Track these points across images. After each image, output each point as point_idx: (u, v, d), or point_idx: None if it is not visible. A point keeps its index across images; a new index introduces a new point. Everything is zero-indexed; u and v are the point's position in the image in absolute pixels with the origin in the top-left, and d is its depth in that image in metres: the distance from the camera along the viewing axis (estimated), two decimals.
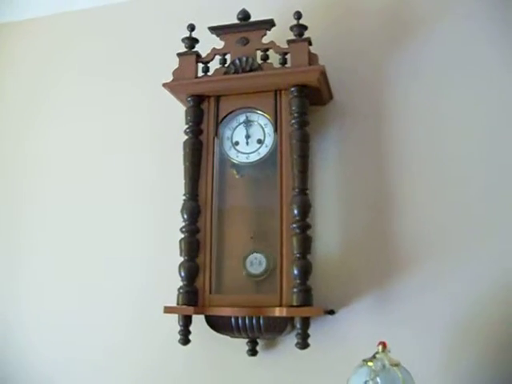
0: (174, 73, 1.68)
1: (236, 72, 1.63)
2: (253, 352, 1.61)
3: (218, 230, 1.69)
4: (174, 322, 1.56)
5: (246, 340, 1.61)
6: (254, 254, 1.66)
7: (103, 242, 1.92)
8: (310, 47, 1.60)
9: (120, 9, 2.11)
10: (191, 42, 1.69)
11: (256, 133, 1.67)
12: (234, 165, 1.71)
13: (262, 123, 1.67)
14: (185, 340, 1.54)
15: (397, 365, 1.30)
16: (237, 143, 1.68)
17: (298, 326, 1.45)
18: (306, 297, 1.45)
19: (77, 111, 2.09)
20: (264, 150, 1.65)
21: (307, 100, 1.60)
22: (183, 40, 1.69)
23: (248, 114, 1.69)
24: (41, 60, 2.20)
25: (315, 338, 1.57)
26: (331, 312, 1.59)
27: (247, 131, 1.68)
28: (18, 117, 2.18)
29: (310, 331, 1.53)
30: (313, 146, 1.73)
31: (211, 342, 1.65)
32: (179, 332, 1.53)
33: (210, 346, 1.66)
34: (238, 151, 1.67)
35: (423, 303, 1.54)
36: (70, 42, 2.17)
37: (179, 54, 1.69)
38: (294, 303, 1.45)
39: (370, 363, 1.29)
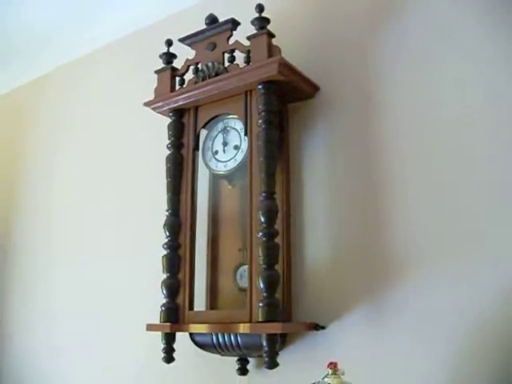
0: (155, 90, 1.69)
1: (204, 79, 1.58)
2: (243, 371, 1.51)
3: (211, 244, 1.65)
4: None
5: (236, 358, 1.52)
6: (244, 267, 1.56)
7: (98, 254, 2.07)
8: (274, 39, 1.47)
9: (112, 48, 2.28)
10: (168, 57, 1.68)
11: (233, 139, 1.59)
12: (224, 176, 1.65)
13: (238, 128, 1.58)
14: (168, 358, 1.49)
15: None
16: (216, 152, 1.61)
17: (264, 343, 1.32)
18: (270, 311, 1.31)
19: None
20: (240, 156, 1.55)
21: (275, 96, 1.46)
22: (160, 56, 1.68)
23: (225, 121, 1.62)
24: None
25: (307, 355, 1.46)
26: (318, 327, 1.42)
27: (224, 139, 1.60)
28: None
29: (300, 348, 1.43)
30: (301, 144, 1.60)
31: (200, 361, 1.59)
32: (162, 350, 1.50)
33: (198, 365, 1.61)
34: (218, 160, 1.60)
35: (421, 312, 1.31)
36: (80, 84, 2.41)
37: (157, 71, 1.69)
38: (260, 319, 1.33)
39: None
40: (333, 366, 1.12)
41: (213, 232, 1.66)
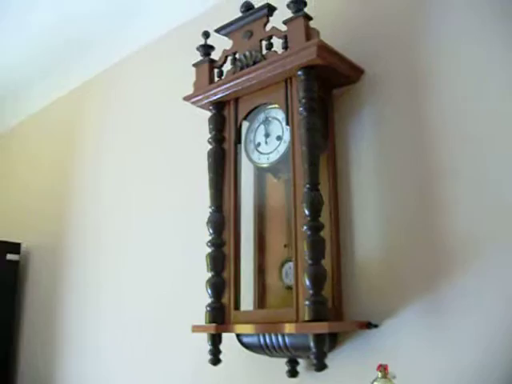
0: (194, 84, 1.64)
1: (242, 69, 1.51)
2: (293, 373, 1.44)
3: (257, 240, 1.58)
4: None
5: (286, 360, 1.44)
6: (289, 264, 1.49)
7: (145, 256, 2.07)
8: (311, 22, 1.39)
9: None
10: (205, 49, 1.63)
11: (275, 130, 1.51)
12: (268, 168, 1.58)
13: (279, 118, 1.51)
14: (214, 360, 1.44)
15: None
16: (258, 144, 1.55)
17: (311, 344, 1.24)
18: (317, 310, 1.23)
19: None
20: (283, 147, 1.47)
21: (316, 82, 1.38)
22: (198, 48, 1.64)
23: (267, 112, 1.55)
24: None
25: (358, 356, 1.36)
26: (370, 325, 1.32)
27: (266, 130, 1.53)
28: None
29: (352, 347, 1.36)
30: (347, 132, 1.51)
31: (248, 363, 1.53)
32: (209, 351, 1.44)
33: (246, 367, 1.54)
34: (260, 153, 1.53)
35: (488, 310, 1.17)
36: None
37: (195, 65, 1.64)
38: (306, 318, 1.25)
39: None
40: (383, 368, 1.03)
41: (259, 228, 1.60)
